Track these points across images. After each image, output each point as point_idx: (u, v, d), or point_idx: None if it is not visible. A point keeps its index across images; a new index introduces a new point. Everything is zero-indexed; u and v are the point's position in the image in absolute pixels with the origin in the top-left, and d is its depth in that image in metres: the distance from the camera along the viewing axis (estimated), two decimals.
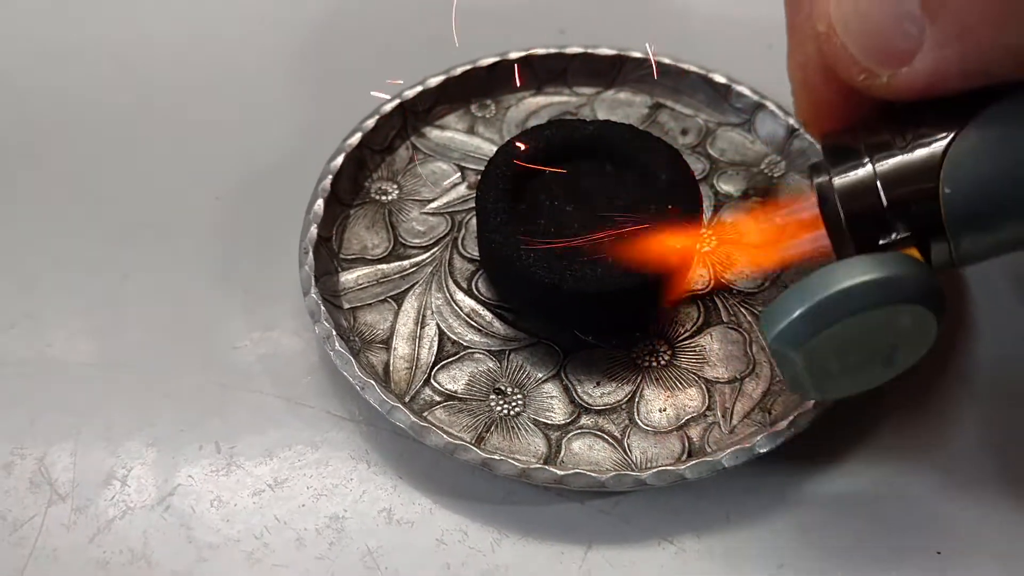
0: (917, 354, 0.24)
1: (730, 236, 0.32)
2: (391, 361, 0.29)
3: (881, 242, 0.23)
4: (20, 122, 0.35)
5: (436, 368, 0.29)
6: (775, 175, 0.33)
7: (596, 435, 0.28)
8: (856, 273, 0.22)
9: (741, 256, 0.31)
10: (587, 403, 0.28)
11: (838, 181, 0.24)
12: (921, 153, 0.23)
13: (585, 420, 0.28)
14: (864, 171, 0.23)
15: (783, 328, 0.22)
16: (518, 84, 0.34)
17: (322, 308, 0.28)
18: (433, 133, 0.34)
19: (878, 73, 0.22)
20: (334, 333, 0.28)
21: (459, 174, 0.33)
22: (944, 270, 0.24)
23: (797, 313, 0.22)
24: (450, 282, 0.31)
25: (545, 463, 0.27)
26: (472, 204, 0.32)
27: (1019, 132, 0.22)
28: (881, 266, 0.22)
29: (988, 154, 0.22)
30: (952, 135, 0.22)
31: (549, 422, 0.28)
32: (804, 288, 0.22)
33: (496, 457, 0.26)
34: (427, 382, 0.29)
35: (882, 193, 0.23)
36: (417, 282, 0.30)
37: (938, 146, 0.23)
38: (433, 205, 0.32)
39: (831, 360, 0.23)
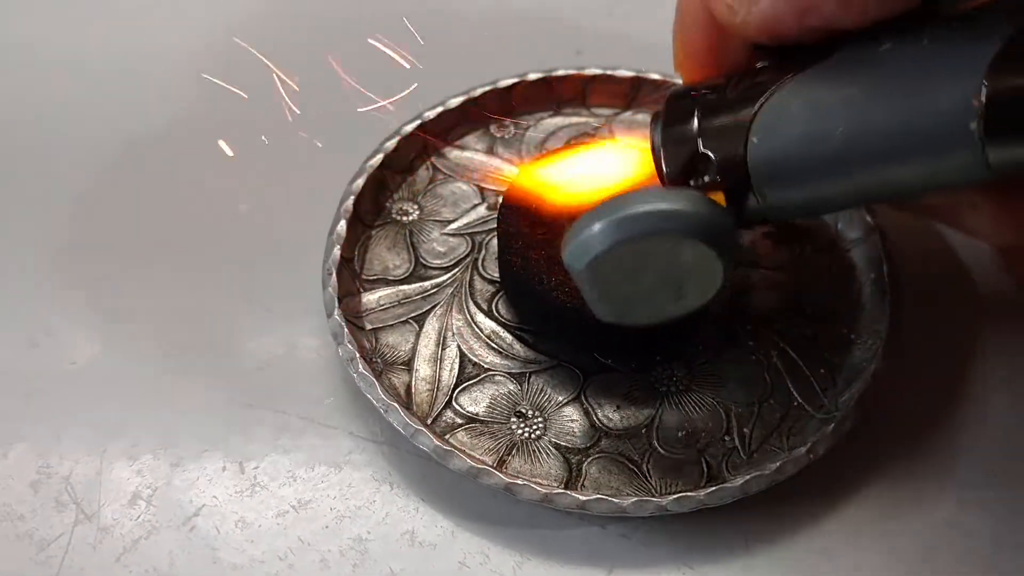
0: (706, 293, 0.24)
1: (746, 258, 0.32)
2: (413, 383, 0.29)
3: (692, 184, 0.24)
4: (40, 136, 0.36)
5: (458, 390, 0.29)
6: None
7: (616, 459, 0.28)
8: (643, 201, 0.23)
9: None
10: (607, 427, 0.29)
11: (662, 122, 0.25)
12: (741, 103, 0.23)
13: (605, 444, 0.28)
14: (690, 118, 0.24)
15: (570, 248, 0.23)
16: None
17: (345, 330, 0.29)
18: (453, 154, 0.34)
19: (736, 9, 0.23)
20: (357, 355, 0.28)
21: (479, 195, 0.33)
22: (759, 223, 0.24)
23: (583, 235, 0.23)
24: (471, 304, 0.31)
25: (566, 487, 0.27)
26: (492, 225, 0.32)
27: (824, 94, 0.22)
28: (670, 198, 0.23)
29: (794, 110, 0.23)
30: (772, 89, 0.23)
31: (569, 446, 0.28)
32: (595, 212, 0.23)
33: (519, 482, 0.27)
34: (449, 404, 0.29)
35: (700, 139, 0.24)
36: (438, 303, 0.31)
37: (758, 99, 0.23)
38: (453, 226, 0.33)
39: (621, 282, 0.24)
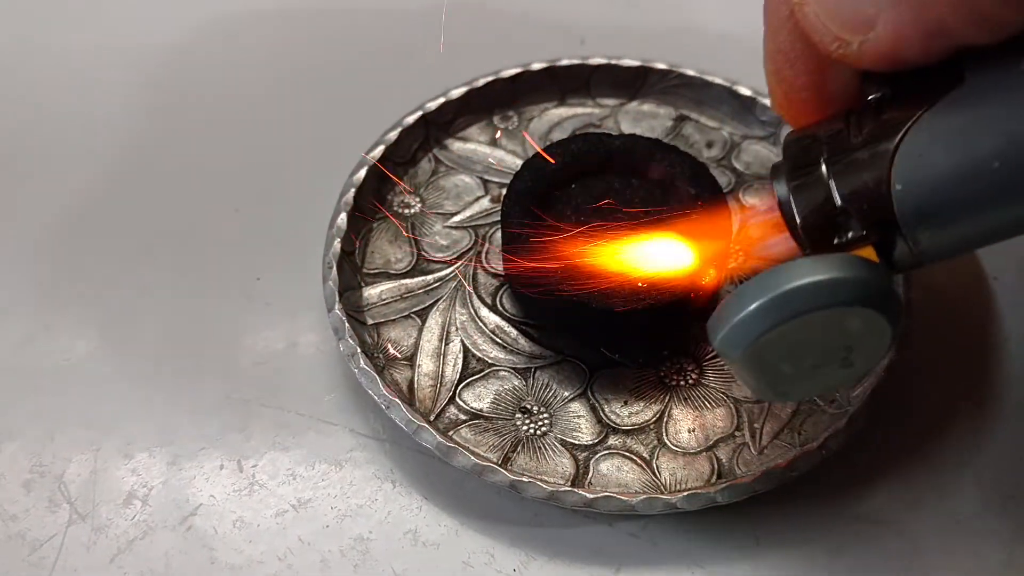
0: (875, 357, 0.23)
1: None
2: (415, 379, 0.28)
3: (836, 242, 0.22)
4: (38, 132, 0.35)
5: (461, 386, 0.28)
6: None
7: (624, 456, 0.27)
8: (796, 276, 0.21)
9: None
10: (615, 423, 0.28)
11: (792, 182, 0.23)
12: (875, 148, 0.22)
13: (613, 440, 0.28)
14: (817, 169, 0.22)
15: (724, 335, 0.22)
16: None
17: (346, 325, 0.28)
18: (455, 145, 0.34)
19: (849, 40, 0.21)
20: (359, 350, 0.28)
21: (482, 187, 0.33)
22: (912, 269, 0.23)
23: (736, 319, 0.21)
24: (474, 298, 0.30)
25: (573, 484, 0.26)
26: (495, 218, 0.32)
27: (969, 125, 0.21)
28: (824, 268, 0.21)
29: (938, 147, 0.21)
30: (907, 127, 0.21)
31: (576, 442, 0.28)
32: (743, 293, 0.22)
33: (524, 479, 0.26)
34: (452, 400, 0.28)
35: (835, 191, 0.22)
36: (441, 297, 0.30)
37: (892, 139, 0.21)
38: (456, 219, 0.32)
39: (781, 363, 0.22)
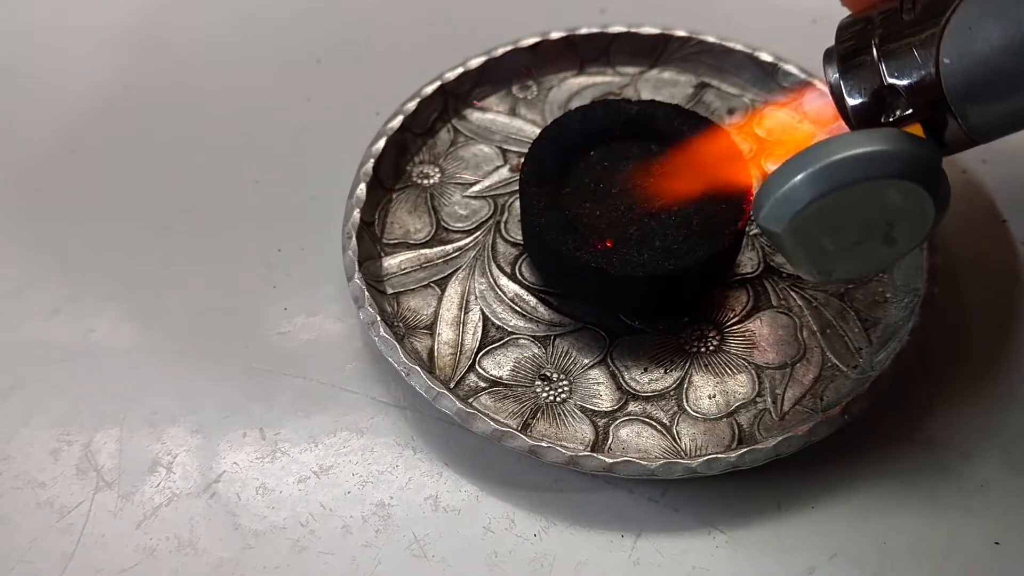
0: (919, 233, 0.23)
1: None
2: (435, 347, 0.29)
3: (884, 120, 0.22)
4: (61, 109, 0.35)
5: (481, 354, 0.28)
6: None
7: (644, 422, 0.27)
8: (839, 149, 0.21)
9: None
10: (635, 389, 0.28)
11: (842, 64, 0.23)
12: (924, 23, 0.22)
13: (633, 407, 0.28)
14: (868, 49, 0.22)
15: (768, 209, 0.22)
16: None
17: (366, 294, 0.28)
18: (475, 115, 0.33)
19: None
20: (378, 319, 0.28)
21: (501, 157, 0.33)
22: (964, 148, 0.23)
23: (780, 192, 0.22)
24: (493, 267, 0.30)
25: (593, 450, 0.26)
26: (514, 187, 0.31)
27: None
28: (867, 141, 0.21)
29: (987, 19, 0.21)
30: (957, 3, 0.21)
31: (596, 408, 0.28)
32: (786, 168, 0.22)
33: (544, 444, 0.26)
34: (472, 368, 0.28)
35: (883, 70, 0.22)
36: (460, 267, 0.30)
37: (943, 14, 0.21)
38: (475, 188, 0.32)
39: (823, 238, 0.22)
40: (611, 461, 0.26)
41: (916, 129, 0.22)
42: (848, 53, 0.23)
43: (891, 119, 0.22)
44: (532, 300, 0.30)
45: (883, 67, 0.22)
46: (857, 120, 0.23)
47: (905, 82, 0.22)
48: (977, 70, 0.21)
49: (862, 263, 0.23)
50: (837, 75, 0.23)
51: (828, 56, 0.24)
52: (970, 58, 0.21)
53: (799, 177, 0.21)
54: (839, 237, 0.22)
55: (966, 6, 0.21)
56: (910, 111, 0.22)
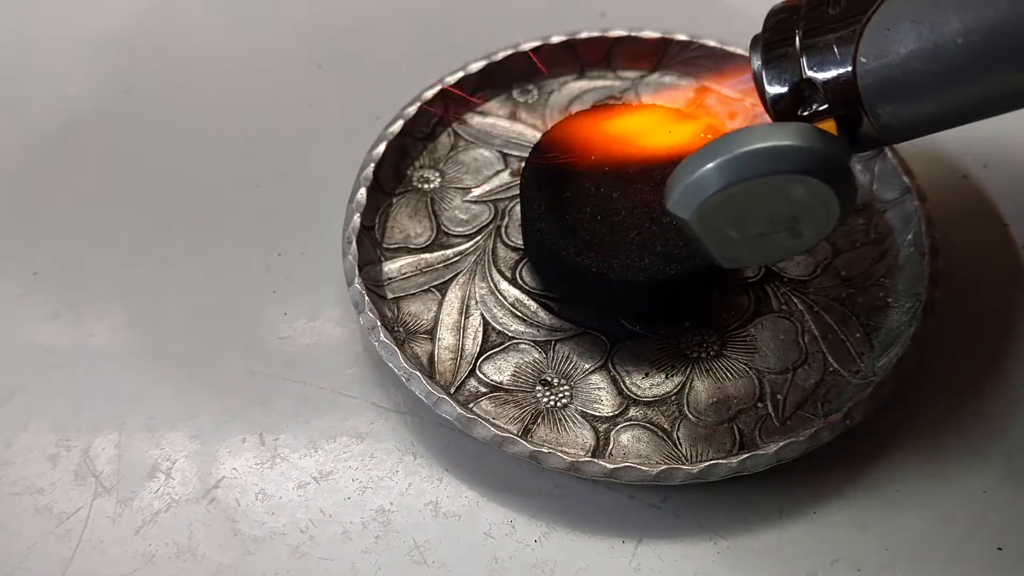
0: (824, 228, 0.23)
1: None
2: (436, 352, 0.28)
3: (800, 114, 0.23)
4: (61, 111, 0.35)
5: (481, 359, 0.28)
6: None
7: (645, 427, 0.27)
8: (747, 141, 0.21)
9: None
10: (635, 394, 0.28)
11: (765, 53, 0.23)
12: (846, 20, 0.22)
13: (634, 412, 0.28)
14: (791, 41, 0.23)
15: (677, 195, 0.22)
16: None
17: (366, 298, 0.28)
18: (475, 119, 0.33)
19: None
20: (378, 324, 0.28)
21: (502, 161, 0.32)
22: (874, 147, 0.23)
23: (690, 179, 0.22)
24: (494, 271, 0.30)
25: (593, 456, 0.26)
26: (515, 192, 0.31)
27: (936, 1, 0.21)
28: (776, 135, 0.21)
29: (905, 22, 0.21)
30: (879, 2, 0.21)
31: (597, 414, 0.27)
32: (698, 157, 0.22)
33: (544, 450, 0.26)
34: (472, 373, 0.28)
35: (803, 63, 0.22)
36: (461, 271, 0.30)
37: (864, 13, 0.22)
38: (476, 193, 0.32)
39: (728, 227, 0.22)
40: (612, 467, 0.26)
41: (830, 125, 0.22)
42: (772, 43, 0.23)
43: (807, 113, 0.22)
44: (533, 305, 0.29)
45: (804, 60, 0.22)
46: (775, 110, 0.23)
47: (823, 77, 0.22)
48: (891, 72, 0.21)
49: (768, 252, 0.24)
50: (760, 63, 0.23)
51: (754, 43, 0.24)
52: (885, 59, 0.21)
53: (709, 166, 0.21)
54: (745, 226, 0.22)
55: (887, 7, 0.21)
56: (826, 106, 0.22)
